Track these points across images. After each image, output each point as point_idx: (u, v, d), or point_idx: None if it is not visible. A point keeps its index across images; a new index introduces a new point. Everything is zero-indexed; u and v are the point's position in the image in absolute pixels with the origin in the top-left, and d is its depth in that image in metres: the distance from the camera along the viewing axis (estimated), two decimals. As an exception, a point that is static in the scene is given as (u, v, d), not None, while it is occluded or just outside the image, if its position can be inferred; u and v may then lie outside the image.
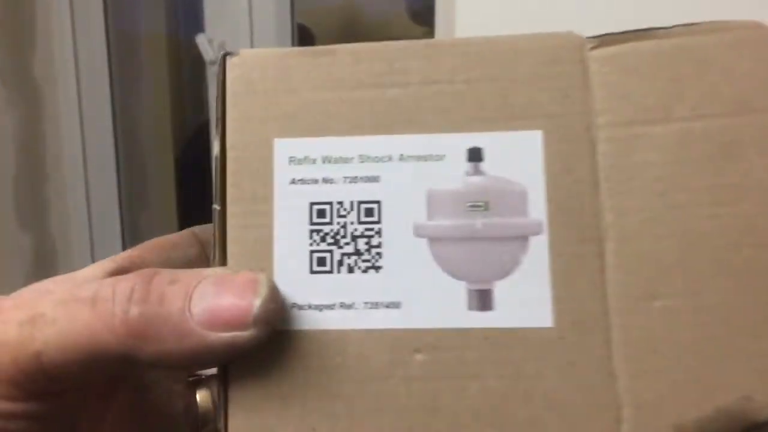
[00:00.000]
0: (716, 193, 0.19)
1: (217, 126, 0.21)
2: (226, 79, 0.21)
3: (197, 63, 1.00)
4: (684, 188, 0.19)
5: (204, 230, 0.25)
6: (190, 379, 0.28)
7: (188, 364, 0.19)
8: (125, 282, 0.19)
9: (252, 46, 0.98)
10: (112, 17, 1.02)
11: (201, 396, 0.27)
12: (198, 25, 0.97)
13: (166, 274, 0.19)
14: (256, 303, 0.18)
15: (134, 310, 0.18)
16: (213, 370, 0.25)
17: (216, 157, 0.21)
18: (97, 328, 0.18)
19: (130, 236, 1.07)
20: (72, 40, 1.00)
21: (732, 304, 0.19)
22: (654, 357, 0.19)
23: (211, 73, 0.98)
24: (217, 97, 0.21)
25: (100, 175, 1.03)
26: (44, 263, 1.00)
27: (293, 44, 1.01)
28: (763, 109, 0.20)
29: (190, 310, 0.18)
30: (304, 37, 1.03)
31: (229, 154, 0.21)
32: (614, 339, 0.19)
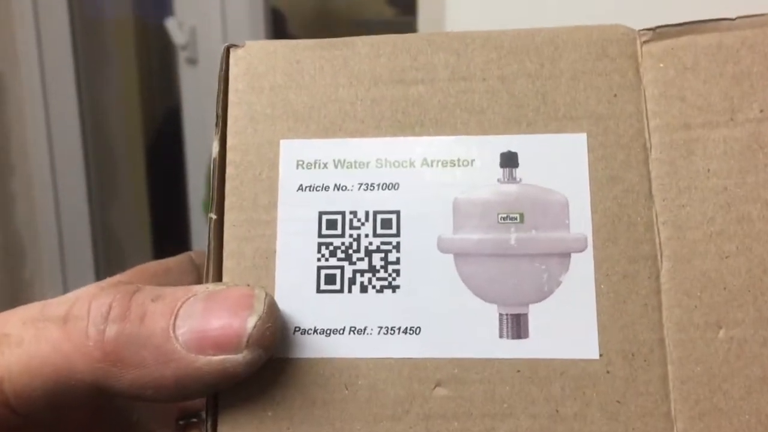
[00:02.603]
0: None
1: (216, 125, 0.21)
2: (229, 74, 0.21)
3: (166, 48, 1.03)
4: (753, 200, 0.19)
5: (201, 255, 0.25)
6: (181, 422, 0.27)
7: (172, 394, 0.18)
8: (102, 298, 0.18)
9: (224, 30, 1.01)
10: (76, 2, 1.05)
11: None
12: (166, 9, 1.00)
13: (150, 290, 0.18)
14: (250, 321, 0.17)
15: (111, 330, 0.17)
16: (203, 408, 0.24)
17: (214, 160, 0.20)
18: (67, 350, 0.17)
19: (100, 229, 1.08)
20: (34, 27, 1.03)
21: None
22: (718, 396, 0.18)
23: (182, 58, 1.02)
24: (218, 94, 0.21)
25: (67, 167, 1.05)
26: (11, 259, 1.01)
27: (266, 28, 1.03)
28: None
29: (174, 331, 0.17)
30: (276, 20, 1.06)
31: (229, 157, 0.20)
32: (672, 374, 0.18)
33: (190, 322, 0.17)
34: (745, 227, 0.18)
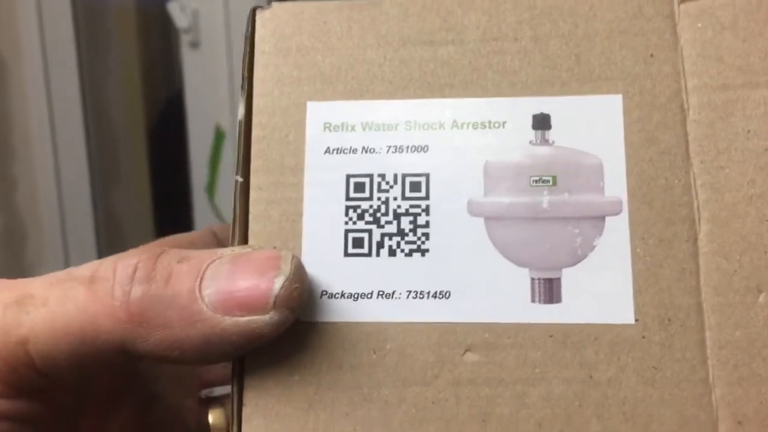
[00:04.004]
0: None
1: (243, 87, 0.21)
2: (255, 36, 0.21)
3: (168, 32, 1.05)
4: None
5: (224, 229, 0.25)
6: (203, 396, 0.28)
7: (198, 355, 0.18)
8: (128, 259, 0.19)
9: (227, 13, 1.02)
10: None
11: (214, 416, 0.27)
12: None
13: (175, 252, 0.19)
14: (277, 282, 0.18)
15: (137, 291, 0.18)
16: (226, 381, 0.25)
17: (240, 123, 0.21)
18: (93, 310, 0.18)
19: (103, 214, 1.10)
20: (36, 12, 1.05)
21: None
22: (758, 362, 0.18)
23: (185, 42, 1.03)
24: (244, 56, 0.22)
25: (69, 151, 1.08)
26: (13, 243, 1.03)
27: None
28: None
29: (200, 292, 0.18)
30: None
31: (255, 120, 0.21)
32: (709, 339, 0.18)
33: (217, 283, 0.18)
34: None
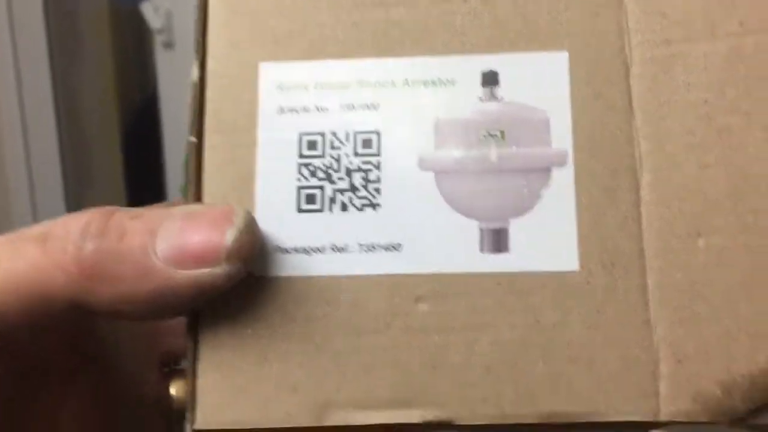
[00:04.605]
0: None
1: (196, 51, 0.22)
2: (208, 2, 0.22)
3: (142, 33, 1.05)
4: (732, 111, 0.20)
5: (179, 203, 0.26)
6: (165, 369, 0.28)
7: (151, 309, 0.19)
8: (81, 217, 0.19)
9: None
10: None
11: (176, 387, 0.27)
12: None
13: (128, 210, 0.19)
14: (229, 235, 0.18)
15: (89, 246, 0.18)
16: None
17: (194, 84, 0.22)
18: (44, 266, 0.18)
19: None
20: (7, 11, 1.05)
21: None
22: (698, 302, 0.19)
23: (158, 42, 1.03)
24: (197, 20, 0.22)
25: (42, 154, 1.07)
26: None
27: None
28: None
29: (153, 246, 0.18)
30: None
31: (209, 82, 0.22)
32: (651, 283, 0.19)
33: (169, 238, 0.19)
34: (724, 138, 0.20)
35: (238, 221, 0.19)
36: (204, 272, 0.18)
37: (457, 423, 0.19)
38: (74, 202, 1.11)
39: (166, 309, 0.19)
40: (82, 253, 0.19)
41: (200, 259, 0.18)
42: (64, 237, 0.19)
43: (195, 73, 0.22)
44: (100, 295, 0.19)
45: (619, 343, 0.19)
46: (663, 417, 0.18)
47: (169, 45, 1.05)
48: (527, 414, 0.19)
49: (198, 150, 0.21)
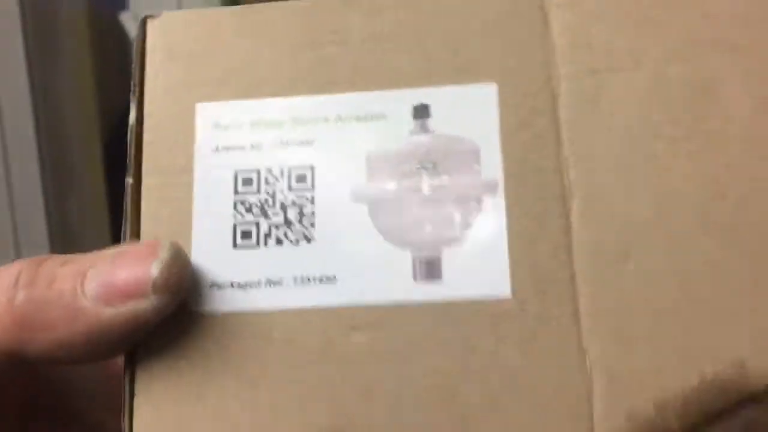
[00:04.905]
0: (696, 141, 0.20)
1: (133, 93, 0.22)
2: (146, 45, 0.23)
3: (122, 41, 1.05)
4: (657, 136, 0.20)
5: None
6: None
7: (86, 351, 0.19)
8: (12, 268, 0.19)
9: None
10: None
11: None
12: (120, 1, 1.02)
13: (58, 257, 0.20)
14: (155, 267, 0.19)
15: (20, 296, 0.19)
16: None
17: (131, 128, 0.22)
18: None
19: (58, 227, 1.08)
20: None
21: (717, 261, 0.19)
22: (629, 324, 0.19)
23: None
24: (134, 65, 0.23)
25: (21, 162, 1.06)
26: None
27: None
28: (746, 47, 0.21)
29: (83, 288, 0.19)
30: None
31: (146, 124, 0.22)
32: (582, 308, 0.19)
33: (98, 277, 0.19)
34: (651, 163, 0.20)
35: (164, 253, 0.19)
36: (133, 307, 0.18)
37: (392, 453, 0.19)
38: (55, 211, 1.10)
39: (101, 349, 0.19)
40: (14, 303, 0.19)
41: (127, 294, 0.19)
42: None
43: (132, 116, 0.22)
44: (35, 343, 0.19)
45: (552, 368, 0.19)
46: (598, 438, 0.18)
47: None
48: None
49: (136, 191, 0.21)
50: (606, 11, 0.21)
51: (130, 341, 0.19)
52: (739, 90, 0.20)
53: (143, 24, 0.23)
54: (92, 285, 0.19)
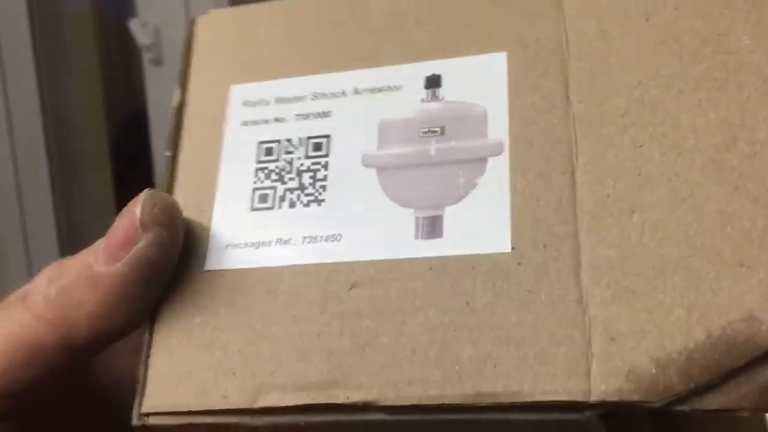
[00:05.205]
0: (706, 91, 0.19)
1: (180, 78, 0.25)
2: (194, 36, 0.25)
3: (128, 46, 1.08)
4: (666, 88, 0.20)
5: None
6: None
7: (118, 315, 0.20)
8: (42, 273, 0.22)
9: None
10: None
11: None
12: (127, 7, 1.06)
13: (88, 250, 0.22)
14: (137, 210, 0.20)
15: (52, 291, 0.21)
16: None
17: (174, 109, 0.24)
18: (28, 321, 0.21)
19: (66, 230, 1.10)
20: None
21: (727, 212, 0.18)
22: (631, 278, 0.18)
23: (147, 60, 1.04)
24: (182, 55, 0.25)
25: (30, 164, 1.07)
26: None
27: None
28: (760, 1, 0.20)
29: (95, 259, 0.21)
30: None
31: (187, 106, 0.24)
32: (584, 261, 0.19)
33: (101, 246, 0.21)
34: (658, 116, 0.19)
35: (142, 196, 0.21)
36: (134, 252, 0.20)
37: (381, 404, 0.18)
38: (64, 213, 1.12)
39: (130, 307, 0.20)
40: (50, 299, 0.21)
41: (125, 242, 0.20)
42: (36, 291, 0.21)
43: (176, 99, 0.24)
44: (77, 327, 0.20)
45: (550, 323, 0.18)
46: (594, 397, 0.17)
47: (157, 62, 1.07)
48: (452, 395, 0.18)
49: (174, 163, 0.23)
50: None
51: (149, 292, 0.21)
52: (751, 41, 0.19)
53: (193, 21, 0.25)
54: (99, 254, 0.21)
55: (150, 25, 1.08)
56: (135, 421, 0.20)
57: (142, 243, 0.20)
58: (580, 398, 0.17)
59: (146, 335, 0.21)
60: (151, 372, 0.21)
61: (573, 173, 0.20)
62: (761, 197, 0.18)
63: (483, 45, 0.22)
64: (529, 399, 0.18)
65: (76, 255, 0.21)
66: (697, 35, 0.20)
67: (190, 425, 0.20)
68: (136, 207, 0.20)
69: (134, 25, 1.07)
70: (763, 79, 0.19)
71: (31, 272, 1.12)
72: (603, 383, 0.17)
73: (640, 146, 0.19)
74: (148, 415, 0.20)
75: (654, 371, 0.17)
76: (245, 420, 0.19)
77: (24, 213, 1.14)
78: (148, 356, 0.21)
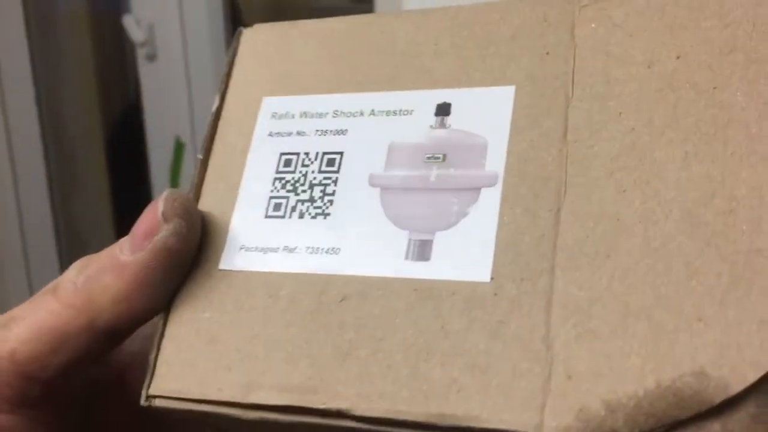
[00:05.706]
0: (693, 144, 0.20)
1: (220, 87, 0.27)
2: (238, 48, 0.27)
3: (123, 42, 1.09)
4: (657, 137, 0.20)
5: None
6: None
7: (140, 300, 0.23)
8: (74, 265, 0.24)
9: (182, 25, 1.04)
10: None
11: None
12: (121, 4, 1.06)
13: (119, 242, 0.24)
14: (159, 204, 0.23)
15: (81, 279, 0.23)
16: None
17: (212, 115, 0.26)
18: (58, 309, 0.23)
19: (63, 226, 1.12)
20: None
21: (695, 267, 0.18)
22: (596, 322, 0.19)
23: (141, 55, 1.06)
24: (227, 62, 0.27)
25: (27, 161, 1.11)
26: None
27: (225, 22, 1.07)
28: (760, 58, 0.20)
29: (120, 250, 0.23)
30: (235, 14, 1.09)
31: (223, 113, 0.26)
32: (555, 300, 0.19)
33: (127, 238, 0.23)
34: (645, 163, 0.20)
35: (164, 194, 0.23)
36: (156, 240, 0.22)
37: (353, 413, 0.20)
38: (60, 209, 1.14)
39: (152, 293, 0.23)
40: (78, 286, 0.23)
41: (148, 233, 0.22)
42: (66, 281, 0.23)
43: (215, 105, 0.26)
44: (102, 312, 0.22)
45: (514, 355, 0.19)
46: (545, 431, 0.18)
47: (151, 57, 1.08)
48: (417, 413, 0.19)
49: (204, 166, 0.25)
50: (629, 21, 0.22)
51: (169, 280, 0.23)
52: (744, 97, 0.19)
53: (238, 34, 0.27)
54: (124, 245, 0.23)
55: (144, 22, 1.09)
56: (143, 402, 0.22)
57: (163, 233, 0.22)
58: (530, 431, 0.18)
59: (160, 324, 0.23)
60: (161, 358, 0.23)
61: (558, 211, 0.20)
62: (729, 255, 0.18)
63: (495, 78, 0.23)
64: (486, 425, 0.19)
65: (104, 249, 0.24)
66: (694, 87, 0.20)
67: (190, 411, 0.22)
68: (159, 202, 0.23)
69: (128, 22, 1.08)
70: (749, 137, 0.19)
71: (28, 266, 1.15)
72: (554, 419, 0.18)
73: (624, 191, 0.20)
74: (155, 397, 0.22)
75: (603, 413, 0.18)
76: (236, 413, 0.21)
77: (21, 209, 1.15)
78: (160, 344, 0.23)
